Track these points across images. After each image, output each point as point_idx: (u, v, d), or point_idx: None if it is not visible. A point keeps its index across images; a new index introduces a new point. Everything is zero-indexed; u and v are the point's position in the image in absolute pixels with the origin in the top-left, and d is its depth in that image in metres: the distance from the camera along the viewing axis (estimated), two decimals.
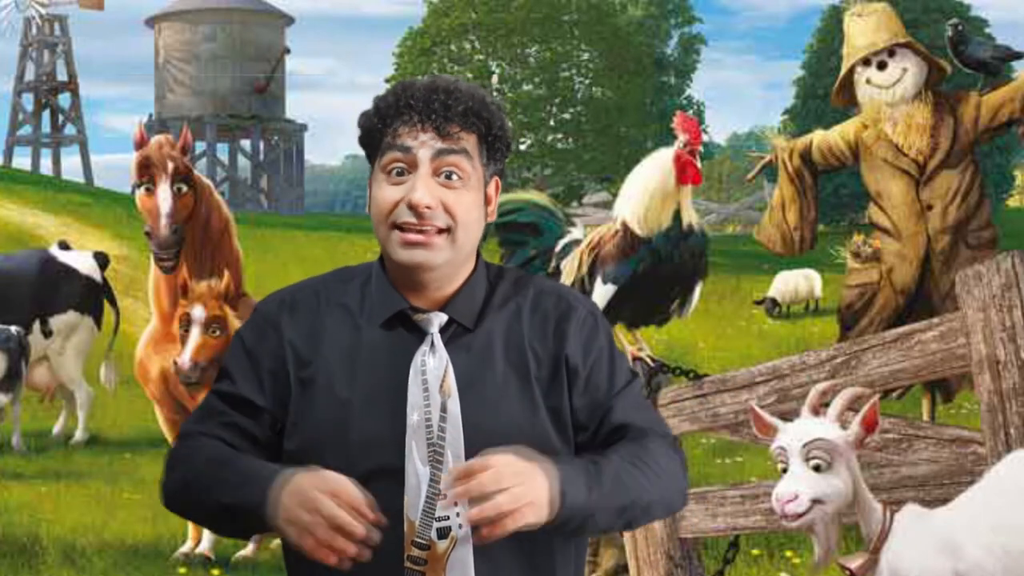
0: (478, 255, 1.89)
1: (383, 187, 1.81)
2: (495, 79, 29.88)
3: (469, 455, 1.73)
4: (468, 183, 1.81)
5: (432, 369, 1.78)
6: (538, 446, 1.75)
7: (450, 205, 1.79)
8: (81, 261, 9.69)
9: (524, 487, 1.64)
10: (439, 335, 1.81)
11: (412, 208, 1.78)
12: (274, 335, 1.85)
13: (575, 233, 4.86)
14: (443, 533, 1.74)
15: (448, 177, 1.80)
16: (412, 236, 1.78)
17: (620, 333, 4.42)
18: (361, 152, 1.91)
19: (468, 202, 1.81)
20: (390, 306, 1.83)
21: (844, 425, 2.43)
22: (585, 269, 4.54)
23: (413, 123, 1.80)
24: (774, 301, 15.60)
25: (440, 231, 1.79)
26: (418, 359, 1.79)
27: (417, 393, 1.77)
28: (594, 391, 1.85)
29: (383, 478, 1.74)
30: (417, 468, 1.74)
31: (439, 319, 1.82)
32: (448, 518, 1.74)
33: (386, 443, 1.75)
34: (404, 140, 1.80)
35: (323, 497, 1.63)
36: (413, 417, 1.76)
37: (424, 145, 1.79)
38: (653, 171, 4.40)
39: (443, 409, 1.76)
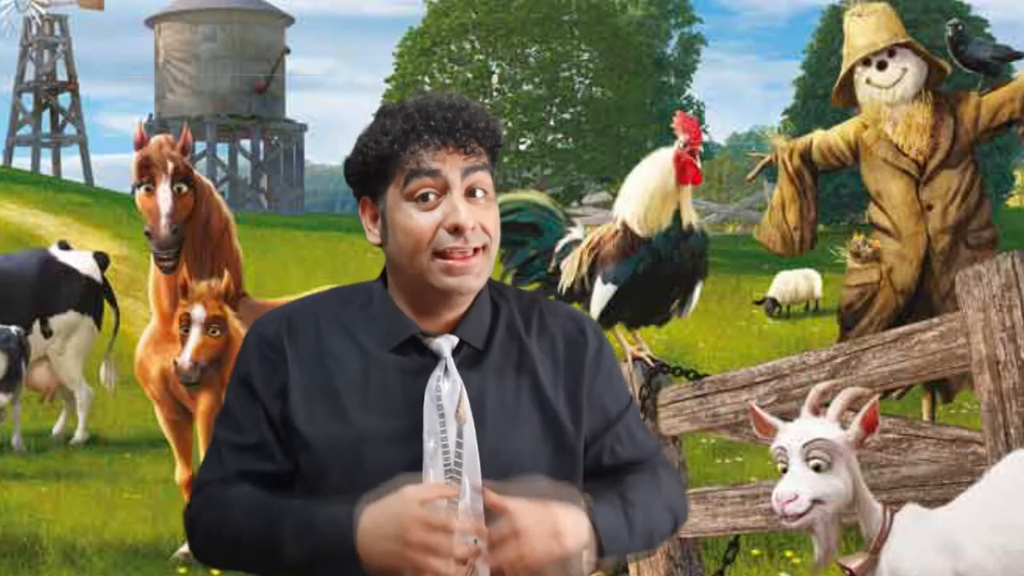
0: None
1: (414, 215, 1.75)
2: (495, 79, 29.88)
3: (485, 481, 1.73)
4: (490, 197, 1.79)
5: (447, 394, 1.75)
6: (551, 467, 1.78)
7: (483, 222, 1.76)
8: (81, 261, 9.69)
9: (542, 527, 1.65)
10: (451, 359, 1.78)
11: (457, 231, 1.73)
12: (278, 362, 1.78)
13: (575, 233, 4.85)
14: (460, 561, 1.70)
15: (473, 194, 1.76)
16: (457, 262, 1.74)
17: (620, 333, 4.42)
18: None
19: (495, 216, 1.80)
20: (401, 331, 1.79)
21: (844, 425, 2.43)
22: (585, 269, 4.54)
23: (436, 145, 1.74)
24: (774, 301, 15.60)
25: (475, 250, 1.76)
26: (432, 384, 1.76)
27: (433, 419, 1.74)
28: (601, 414, 1.86)
29: None
30: None
31: (451, 343, 1.79)
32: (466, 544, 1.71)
33: (402, 471, 1.72)
34: (430, 164, 1.74)
35: (417, 529, 1.61)
36: (429, 444, 1.73)
37: (453, 167, 1.75)
38: (653, 171, 4.40)
39: (459, 435, 1.74)
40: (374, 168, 1.78)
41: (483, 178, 1.78)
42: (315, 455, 1.76)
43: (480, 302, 1.82)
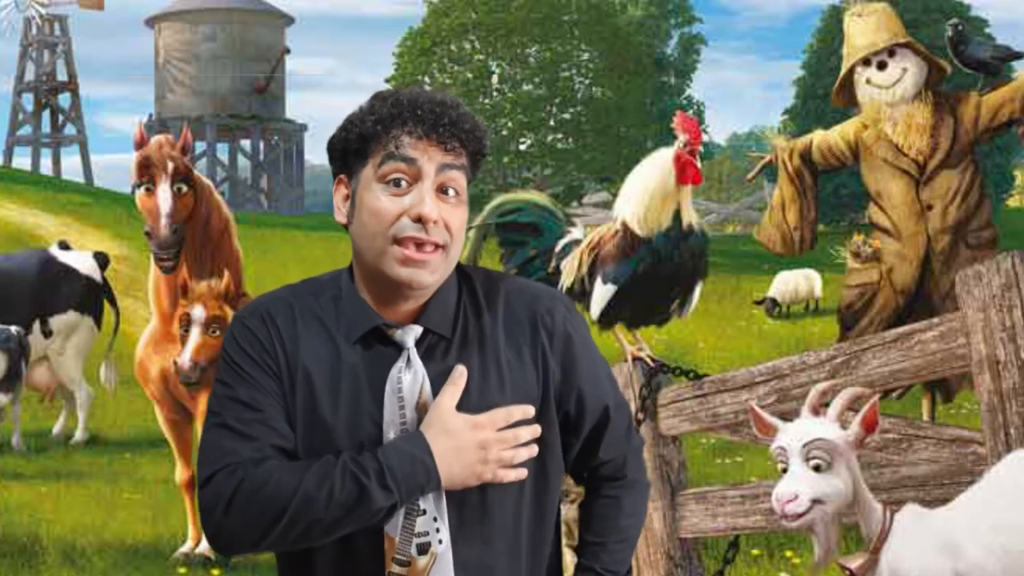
0: None
1: (381, 198, 1.76)
2: (495, 79, 29.87)
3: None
4: (461, 199, 1.80)
5: (408, 385, 1.76)
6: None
7: (448, 221, 1.76)
8: (81, 261, 9.69)
9: None
10: (415, 349, 1.78)
11: (419, 221, 1.74)
12: (270, 344, 1.79)
13: (575, 233, 4.85)
14: (423, 549, 1.73)
15: (445, 192, 1.77)
16: (413, 253, 1.74)
17: (620, 333, 4.42)
18: None
19: (462, 218, 1.80)
20: (364, 323, 1.79)
21: (844, 425, 2.43)
22: (585, 269, 4.53)
23: (418, 135, 1.76)
24: (774, 301, 15.60)
25: (436, 247, 1.76)
26: (394, 375, 1.76)
27: (393, 411, 1.75)
28: (576, 397, 1.87)
29: None
30: None
31: (414, 333, 1.79)
32: (427, 534, 1.73)
33: None
34: (408, 151, 1.75)
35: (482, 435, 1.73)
36: (389, 434, 1.74)
37: (430, 159, 1.76)
38: (653, 171, 4.39)
39: (419, 425, 1.74)
40: (355, 146, 1.80)
41: (457, 177, 1.78)
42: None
43: (445, 289, 1.82)
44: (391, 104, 1.78)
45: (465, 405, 1.75)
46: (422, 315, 1.80)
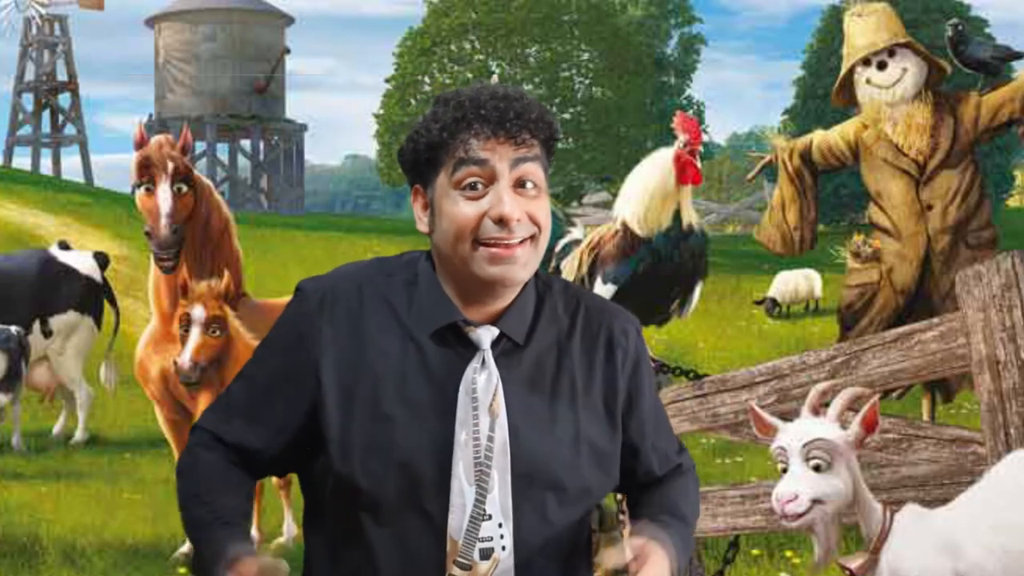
0: None
1: (459, 204, 1.73)
2: (495, 79, 29.85)
3: (515, 476, 1.72)
4: (541, 189, 1.77)
5: (482, 386, 1.74)
6: (582, 468, 1.77)
7: (533, 213, 1.75)
8: (81, 261, 9.68)
9: None
10: (490, 351, 1.77)
11: (502, 222, 1.72)
12: (312, 340, 1.77)
13: (575, 233, 4.85)
14: (486, 554, 1.71)
15: (523, 186, 1.75)
16: (501, 251, 1.72)
17: None
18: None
19: (545, 207, 1.78)
20: (442, 317, 1.77)
21: (844, 425, 2.43)
22: (585, 269, 4.54)
23: (486, 135, 1.73)
24: (774, 301, 15.59)
25: (522, 241, 1.74)
26: (469, 375, 1.74)
27: (466, 410, 1.73)
28: (638, 419, 1.88)
29: (427, 496, 1.71)
30: (463, 487, 1.71)
31: (491, 334, 1.77)
32: (491, 539, 1.71)
33: (431, 460, 1.71)
34: (478, 153, 1.73)
35: None
36: (461, 435, 1.72)
37: (502, 157, 1.74)
38: (653, 171, 4.40)
39: (491, 428, 1.72)
40: (424, 156, 1.78)
41: (533, 169, 1.76)
42: (343, 443, 1.74)
43: (525, 294, 1.81)
44: (453, 107, 1.76)
45: (534, 416, 1.75)
46: (500, 319, 1.78)
